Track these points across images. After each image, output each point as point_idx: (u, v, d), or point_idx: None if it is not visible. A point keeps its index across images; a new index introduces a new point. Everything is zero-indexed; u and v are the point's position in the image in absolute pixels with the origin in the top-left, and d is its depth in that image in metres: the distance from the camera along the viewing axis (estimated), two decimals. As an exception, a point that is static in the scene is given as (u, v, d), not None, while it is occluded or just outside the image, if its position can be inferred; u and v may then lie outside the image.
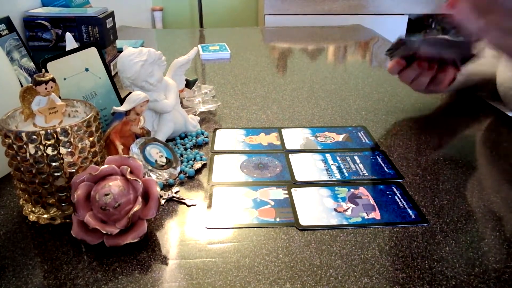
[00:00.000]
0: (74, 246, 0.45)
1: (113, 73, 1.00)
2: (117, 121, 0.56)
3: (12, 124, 0.48)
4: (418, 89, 0.79)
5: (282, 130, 0.73)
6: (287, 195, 0.54)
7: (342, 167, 0.61)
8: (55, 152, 0.45)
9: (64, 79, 0.57)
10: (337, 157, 0.63)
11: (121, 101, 0.63)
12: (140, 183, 0.45)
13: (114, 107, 0.56)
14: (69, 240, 0.46)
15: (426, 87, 0.77)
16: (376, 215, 0.50)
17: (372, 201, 0.53)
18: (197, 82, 0.80)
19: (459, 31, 0.62)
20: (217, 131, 0.72)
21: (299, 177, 0.58)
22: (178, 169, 0.57)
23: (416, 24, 2.42)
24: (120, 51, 1.08)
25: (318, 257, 0.44)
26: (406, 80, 0.78)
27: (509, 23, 0.52)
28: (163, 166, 0.55)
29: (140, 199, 0.44)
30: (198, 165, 0.60)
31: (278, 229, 0.48)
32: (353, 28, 1.64)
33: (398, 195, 0.54)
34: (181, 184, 0.57)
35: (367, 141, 0.69)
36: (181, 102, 0.73)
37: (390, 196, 0.54)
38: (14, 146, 0.45)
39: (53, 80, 0.46)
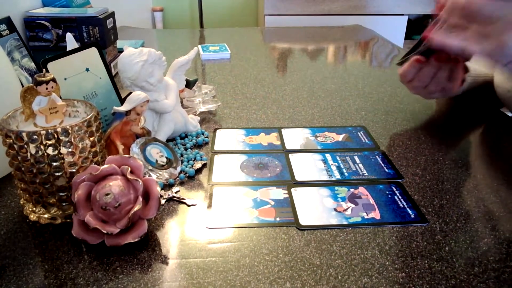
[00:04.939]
0: (74, 245, 0.45)
1: (113, 73, 1.00)
2: (118, 121, 0.57)
3: (13, 124, 0.48)
4: (433, 90, 0.73)
5: (282, 130, 0.73)
6: (287, 195, 0.54)
7: (342, 167, 0.61)
8: (56, 152, 0.45)
9: (65, 79, 0.57)
10: (337, 157, 0.64)
11: (122, 101, 0.63)
12: (140, 183, 0.45)
13: (115, 107, 0.56)
14: (70, 239, 0.46)
15: (440, 89, 0.72)
16: (375, 214, 0.50)
17: (371, 201, 0.53)
18: (197, 82, 0.80)
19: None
20: (217, 131, 0.72)
21: (299, 177, 0.58)
22: (179, 169, 0.57)
23: (416, 24, 2.43)
24: (120, 51, 1.08)
25: (318, 257, 0.44)
26: (422, 82, 0.71)
27: (487, 29, 0.55)
28: (163, 166, 0.55)
29: (140, 199, 0.44)
30: (198, 165, 0.60)
31: (278, 229, 0.48)
32: (353, 28, 1.64)
33: (398, 195, 0.54)
34: (181, 184, 0.57)
35: (367, 141, 0.69)
36: (181, 102, 0.73)
37: (389, 196, 0.54)
38: (15, 146, 0.45)
39: (53, 80, 0.46)
